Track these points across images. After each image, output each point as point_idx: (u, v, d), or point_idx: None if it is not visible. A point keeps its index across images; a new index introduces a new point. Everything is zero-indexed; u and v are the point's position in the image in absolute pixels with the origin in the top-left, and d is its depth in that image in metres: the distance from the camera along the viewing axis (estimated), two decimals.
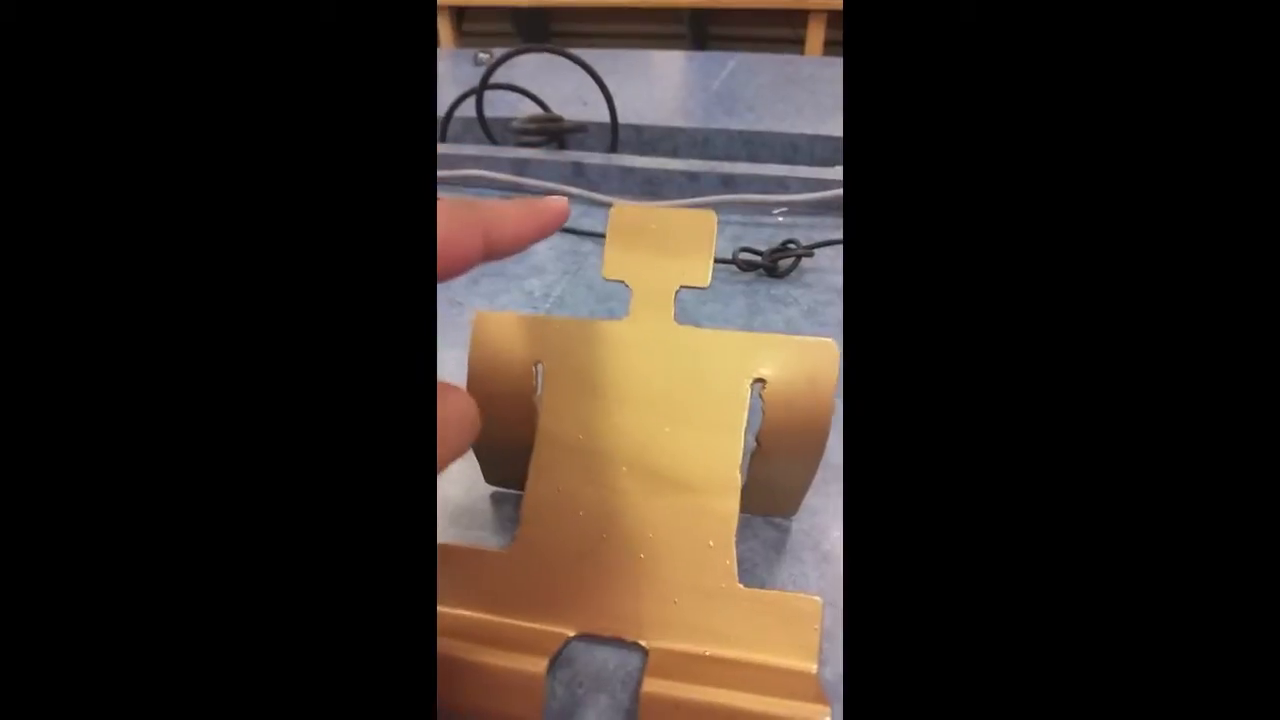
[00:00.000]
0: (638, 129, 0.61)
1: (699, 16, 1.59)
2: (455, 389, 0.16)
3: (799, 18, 1.49)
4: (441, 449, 0.15)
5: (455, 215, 0.16)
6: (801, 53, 1.48)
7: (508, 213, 0.18)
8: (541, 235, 0.19)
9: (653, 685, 0.18)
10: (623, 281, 0.22)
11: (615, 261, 0.22)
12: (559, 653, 0.20)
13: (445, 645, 0.19)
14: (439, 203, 0.16)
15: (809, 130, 0.59)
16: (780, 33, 1.54)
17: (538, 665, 0.18)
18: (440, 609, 0.21)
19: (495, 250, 0.17)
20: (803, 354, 0.21)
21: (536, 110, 0.57)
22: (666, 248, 0.22)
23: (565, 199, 0.20)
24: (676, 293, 0.22)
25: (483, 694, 0.18)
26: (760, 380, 0.21)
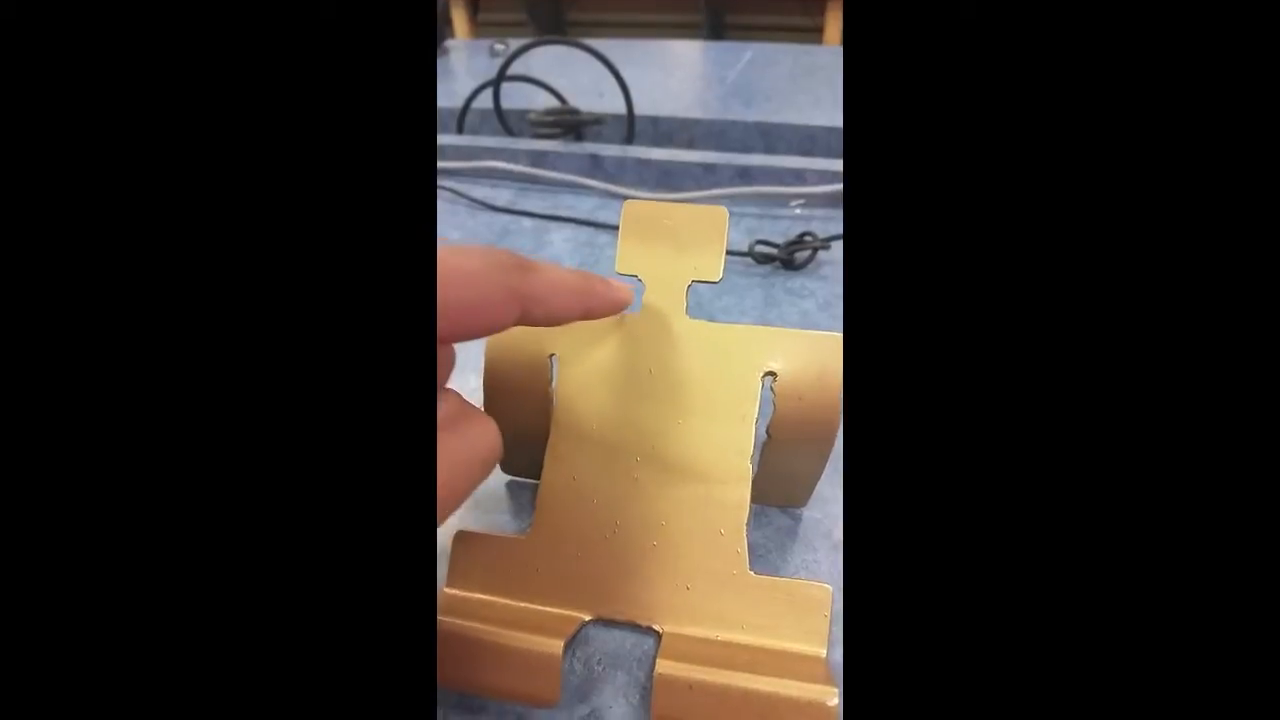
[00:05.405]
0: (654, 120, 0.61)
1: (715, 4, 1.59)
2: (481, 417, 0.16)
3: (816, 6, 1.48)
4: (466, 478, 0.15)
5: (498, 281, 0.15)
6: (820, 41, 1.47)
7: (558, 288, 0.17)
8: (588, 317, 0.19)
9: (666, 667, 0.18)
10: (635, 276, 0.23)
11: (628, 256, 0.23)
12: (575, 635, 0.21)
13: (466, 628, 0.19)
14: (486, 257, 0.15)
15: (826, 122, 0.58)
16: (798, 21, 1.53)
17: (554, 646, 0.19)
18: (460, 593, 0.21)
19: (531, 320, 0.17)
20: (812, 348, 0.21)
21: (553, 102, 0.58)
22: (678, 243, 0.22)
23: (630, 290, 0.20)
24: (689, 287, 0.22)
25: (504, 674, 0.19)
26: (770, 373, 0.21)
